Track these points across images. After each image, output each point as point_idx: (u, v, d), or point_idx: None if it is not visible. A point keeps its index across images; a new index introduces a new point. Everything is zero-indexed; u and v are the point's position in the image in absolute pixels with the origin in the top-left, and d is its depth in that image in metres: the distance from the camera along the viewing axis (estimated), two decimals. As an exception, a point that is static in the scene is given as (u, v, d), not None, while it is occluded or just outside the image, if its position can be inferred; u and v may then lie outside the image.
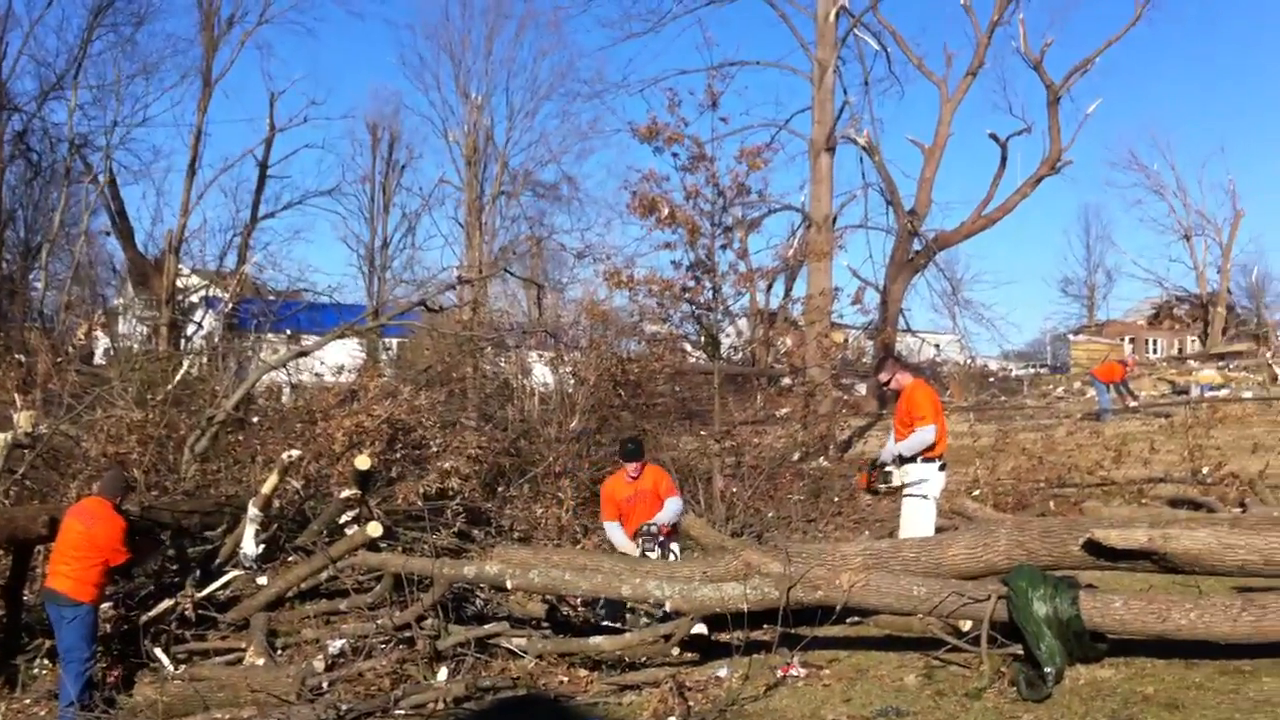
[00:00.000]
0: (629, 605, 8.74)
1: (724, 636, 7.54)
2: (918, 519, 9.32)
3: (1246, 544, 6.37)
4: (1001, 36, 28.86)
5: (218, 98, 60.04)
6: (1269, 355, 43.12)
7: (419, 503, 11.42)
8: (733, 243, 15.05)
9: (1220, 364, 41.22)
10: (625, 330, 18.03)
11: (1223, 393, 28.90)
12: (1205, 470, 15.54)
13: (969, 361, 38.52)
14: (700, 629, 7.83)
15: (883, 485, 9.55)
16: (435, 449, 12.73)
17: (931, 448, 9.31)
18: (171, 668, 8.73)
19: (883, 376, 9.88)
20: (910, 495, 9.32)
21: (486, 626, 8.55)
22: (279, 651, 8.85)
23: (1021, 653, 6.45)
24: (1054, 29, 51.29)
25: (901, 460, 9.33)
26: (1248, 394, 27.62)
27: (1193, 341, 62.32)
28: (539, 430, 15.00)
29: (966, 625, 6.78)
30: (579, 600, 9.57)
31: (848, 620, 7.62)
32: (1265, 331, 56.30)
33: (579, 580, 7.99)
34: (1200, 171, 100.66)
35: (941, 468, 9.48)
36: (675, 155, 14.11)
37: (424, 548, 10.32)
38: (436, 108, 42.19)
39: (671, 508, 9.21)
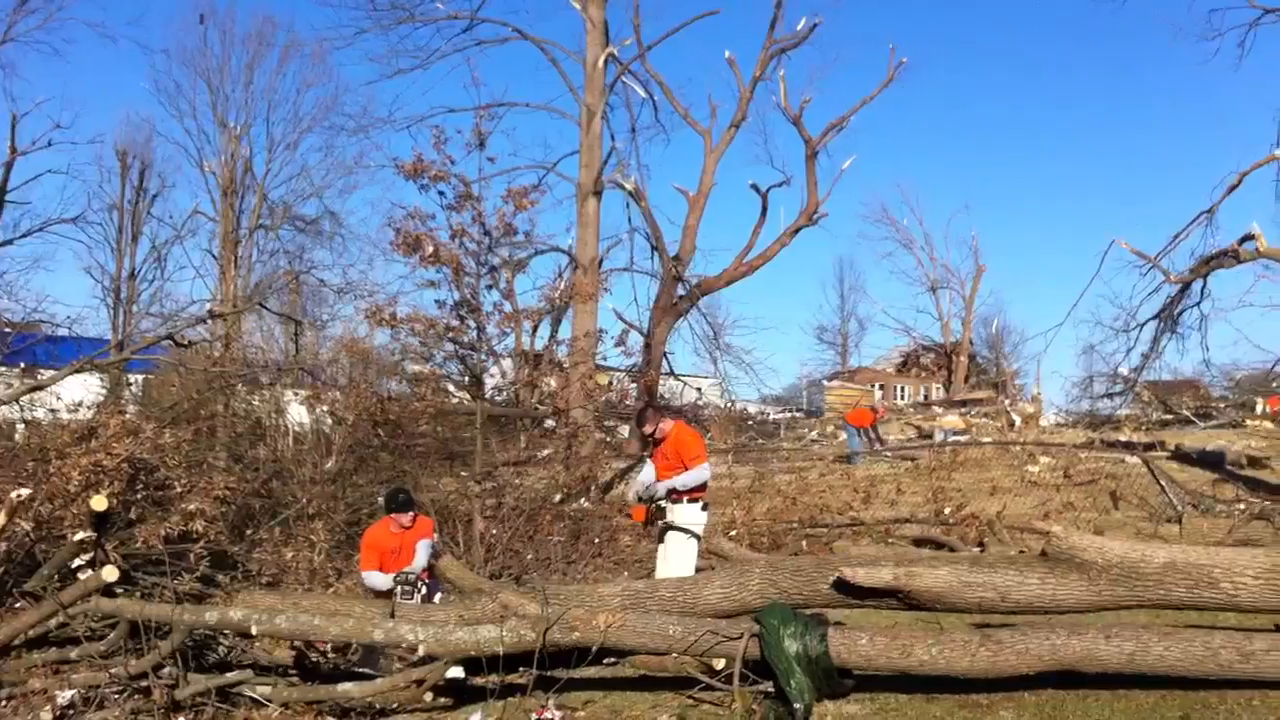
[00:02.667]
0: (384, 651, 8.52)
1: (480, 680, 7.39)
2: (680, 559, 9.40)
3: (985, 581, 6.61)
4: (763, 91, 29.78)
5: (-46, 117, 56.38)
6: (1007, 402, 45.51)
7: (160, 546, 10.86)
8: (499, 283, 14.99)
9: (962, 410, 43.23)
10: (386, 369, 17.68)
11: (964, 438, 30.28)
12: (947, 511, 16.21)
13: (729, 405, 39.30)
14: (456, 673, 7.64)
15: (661, 522, 9.62)
16: (180, 490, 12.12)
17: (701, 488, 9.46)
18: (-119, 722, 8.03)
19: (647, 429, 9.90)
20: (676, 535, 9.42)
21: (228, 674, 8.12)
22: (3, 703, 8.23)
23: (773, 690, 6.52)
24: (813, 87, 53.23)
25: (673, 496, 9.42)
26: (987, 439, 28.99)
27: (938, 388, 65.31)
28: (293, 471, 14.50)
29: (720, 664, 6.82)
30: (329, 646, 9.25)
31: (605, 661, 7.56)
32: (1004, 380, 59.52)
33: (329, 625, 7.70)
34: (946, 227, 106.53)
35: (704, 508, 9.61)
36: (441, 194, 14.00)
37: (164, 593, 9.81)
38: (192, 136, 40.55)
39: (423, 551, 9.03)
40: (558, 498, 15.67)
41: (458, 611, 7.77)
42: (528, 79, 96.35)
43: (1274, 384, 33.05)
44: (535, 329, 31.28)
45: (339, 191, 54.25)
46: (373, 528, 9.58)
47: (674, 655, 6.93)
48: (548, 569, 13.14)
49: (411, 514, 9.21)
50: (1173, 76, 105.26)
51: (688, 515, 9.48)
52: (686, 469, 9.44)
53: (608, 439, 23.43)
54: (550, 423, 19.19)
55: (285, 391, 17.58)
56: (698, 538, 9.63)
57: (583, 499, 16.65)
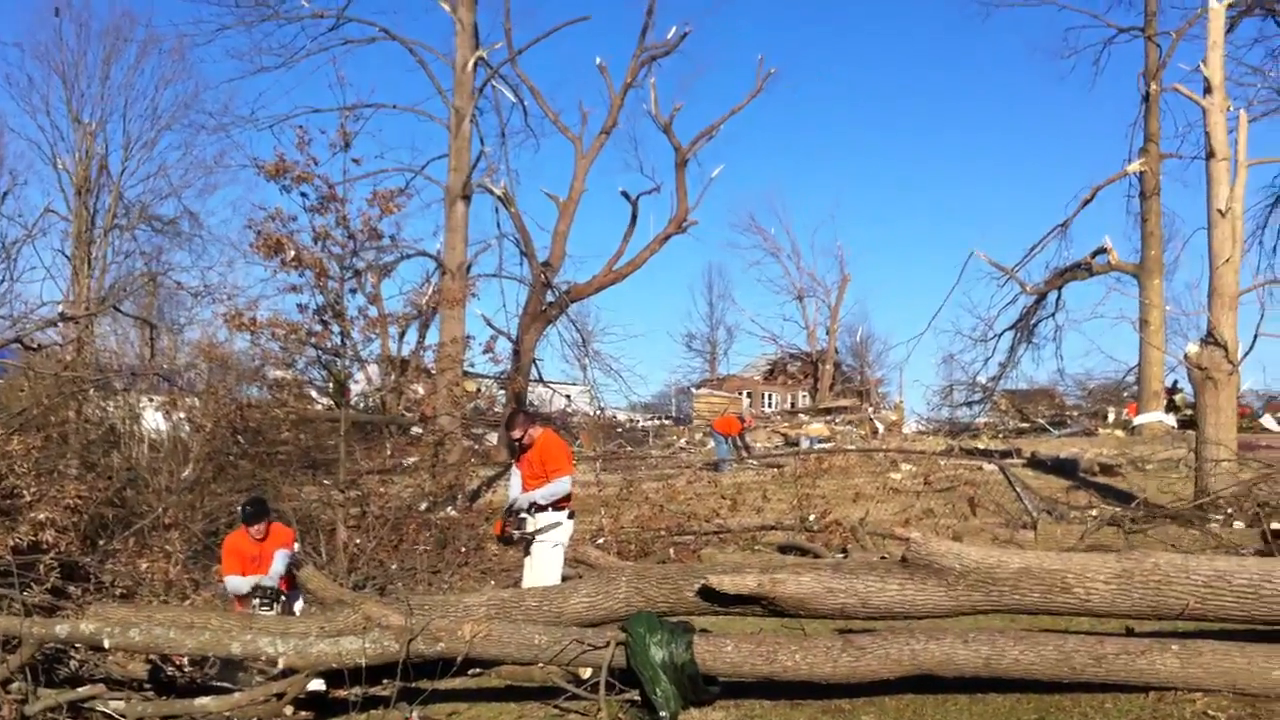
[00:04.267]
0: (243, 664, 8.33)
1: (342, 693, 7.28)
2: (546, 568, 9.37)
3: (847, 588, 6.71)
4: (634, 98, 30.07)
5: None
6: (870, 410, 46.44)
7: (8, 556, 10.46)
8: (364, 287, 14.80)
9: (828, 418, 43.91)
10: (246, 375, 17.31)
11: (829, 445, 30.76)
12: (812, 518, 16.43)
13: (598, 412, 39.36)
14: (317, 685, 7.52)
15: (517, 532, 9.55)
16: (29, 498, 11.68)
17: (567, 497, 9.45)
18: None
19: (515, 433, 9.83)
20: (541, 544, 9.38)
21: (80, 689, 7.87)
22: None
23: (639, 698, 6.54)
24: (683, 95, 53.64)
25: (535, 508, 9.38)
26: (851, 446, 29.48)
27: (804, 396, 66.20)
28: (148, 479, 14.09)
29: (587, 673, 6.82)
30: (187, 660, 9.01)
31: (470, 672, 7.50)
32: (867, 388, 60.68)
33: (185, 638, 7.49)
34: (813, 237, 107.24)
35: (570, 516, 9.61)
36: (304, 195, 13.81)
37: (12, 605, 9.45)
38: (45, 132, 38.92)
39: (280, 560, 8.87)
40: (423, 506, 15.51)
41: (319, 623, 7.64)
42: (396, 80, 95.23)
43: (1125, 394, 34.26)
44: (402, 334, 31.05)
45: (198, 191, 52.84)
46: (234, 533, 9.39)
47: (540, 665, 6.91)
48: (413, 579, 12.99)
49: (261, 525, 9.01)
50: (1032, 93, 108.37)
51: (554, 523, 9.45)
52: (549, 480, 9.42)
53: (475, 446, 23.29)
54: (416, 429, 19.00)
55: (141, 397, 17.09)
56: (564, 547, 9.62)
57: (449, 507, 16.52)
